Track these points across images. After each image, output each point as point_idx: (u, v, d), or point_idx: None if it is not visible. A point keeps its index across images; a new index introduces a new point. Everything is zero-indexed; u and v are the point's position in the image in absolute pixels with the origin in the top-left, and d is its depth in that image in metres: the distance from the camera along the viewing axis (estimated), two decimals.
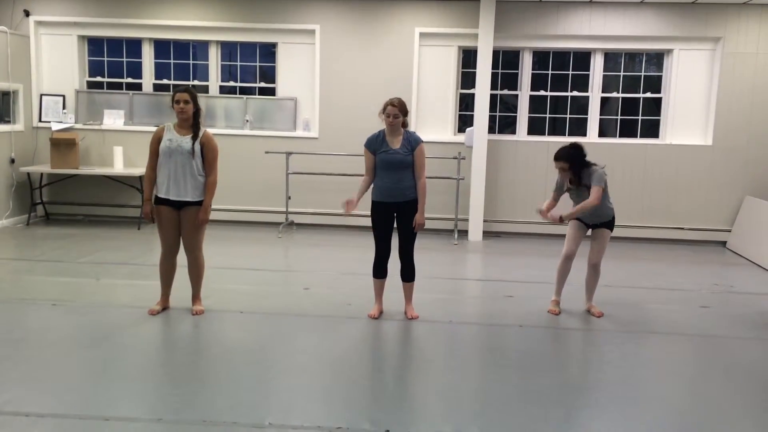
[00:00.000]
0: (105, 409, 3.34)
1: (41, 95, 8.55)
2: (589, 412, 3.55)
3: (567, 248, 5.17)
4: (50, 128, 8.40)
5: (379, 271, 4.96)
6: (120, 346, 4.27)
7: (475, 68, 8.04)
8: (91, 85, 8.79)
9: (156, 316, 4.83)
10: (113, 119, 8.60)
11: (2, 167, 8.01)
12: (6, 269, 6.13)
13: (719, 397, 3.78)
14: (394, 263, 4.92)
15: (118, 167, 8.28)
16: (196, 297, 4.98)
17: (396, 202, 4.79)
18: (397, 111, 4.72)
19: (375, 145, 4.79)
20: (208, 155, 4.75)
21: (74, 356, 4.09)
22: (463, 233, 8.16)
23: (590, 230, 5.20)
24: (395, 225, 4.88)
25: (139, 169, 8.23)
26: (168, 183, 4.70)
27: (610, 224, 5.16)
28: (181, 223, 4.78)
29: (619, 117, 8.48)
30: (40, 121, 8.53)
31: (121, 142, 8.38)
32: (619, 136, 8.44)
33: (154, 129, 8.58)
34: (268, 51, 8.66)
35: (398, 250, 4.87)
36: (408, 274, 4.95)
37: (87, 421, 3.22)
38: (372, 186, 4.87)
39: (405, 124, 4.84)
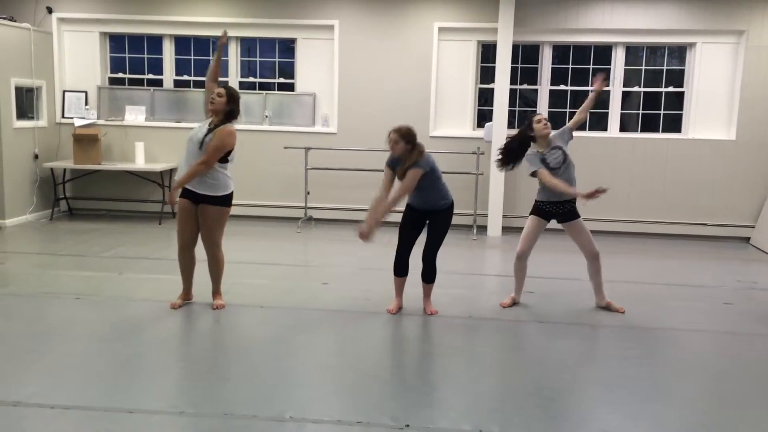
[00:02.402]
0: (128, 402, 3.39)
1: (64, 91, 8.66)
2: (610, 409, 3.52)
3: (521, 247, 5.09)
4: (73, 124, 8.50)
5: (399, 269, 4.95)
6: (142, 340, 4.33)
7: (494, 63, 8.00)
8: (113, 82, 8.88)
9: (178, 310, 4.87)
10: (135, 115, 8.68)
11: (26, 163, 8.12)
12: (30, 263, 6.23)
13: (742, 395, 3.74)
14: (416, 263, 4.92)
15: (140, 163, 8.36)
16: (216, 292, 5.01)
17: (427, 210, 4.81)
18: (397, 137, 4.62)
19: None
20: (212, 141, 4.56)
21: (98, 349, 4.14)
22: (482, 228, 8.14)
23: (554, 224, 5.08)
24: (424, 230, 4.90)
25: (161, 165, 8.32)
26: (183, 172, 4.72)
27: (573, 214, 4.97)
28: (199, 220, 4.80)
29: (640, 111, 8.40)
30: (63, 117, 8.64)
31: (143, 137, 8.46)
32: (641, 131, 8.35)
33: (174, 125, 8.72)
34: (287, 47, 8.68)
35: (422, 252, 4.88)
36: (428, 275, 4.93)
37: (111, 414, 3.26)
38: None
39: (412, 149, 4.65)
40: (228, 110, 4.70)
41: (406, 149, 4.62)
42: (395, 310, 4.95)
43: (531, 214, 5.11)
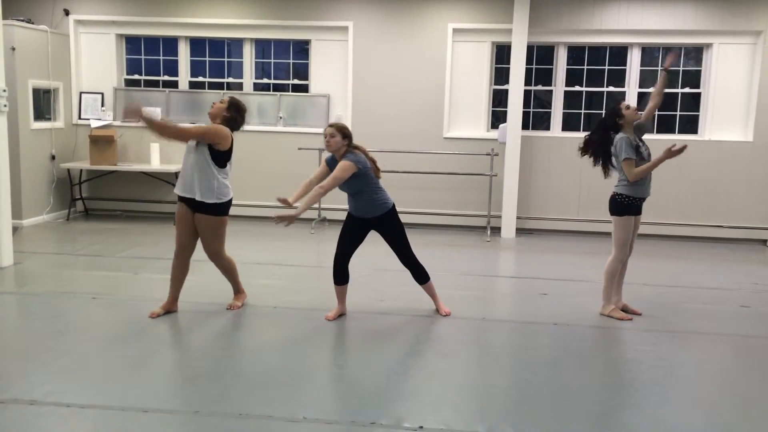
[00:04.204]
0: (143, 401, 3.41)
1: (80, 93, 8.74)
2: (624, 412, 3.50)
3: (628, 252, 4.93)
4: (89, 125, 8.58)
5: (338, 276, 4.79)
6: (158, 340, 4.36)
7: (508, 64, 7.98)
8: (129, 83, 8.95)
9: (187, 312, 4.87)
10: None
11: (43, 163, 8.21)
12: (47, 263, 6.29)
13: (758, 399, 3.70)
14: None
15: (155, 164, 8.42)
16: (236, 292, 5.03)
17: (367, 218, 4.71)
18: (333, 131, 4.63)
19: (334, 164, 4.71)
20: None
21: (114, 349, 4.17)
22: (496, 230, 8.11)
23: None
24: (378, 239, 4.82)
25: (176, 166, 8.36)
26: (182, 178, 4.62)
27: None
28: (197, 229, 4.71)
29: (656, 112, 8.30)
30: (79, 118, 8.71)
31: (158, 138, 8.51)
32: (657, 132, 8.28)
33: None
34: (302, 48, 8.70)
35: (400, 261, 4.84)
36: (419, 277, 4.87)
37: (126, 413, 3.29)
38: None
39: (347, 145, 4.68)
40: (228, 117, 4.61)
41: (342, 144, 4.63)
42: (334, 317, 4.79)
43: (623, 213, 4.82)
